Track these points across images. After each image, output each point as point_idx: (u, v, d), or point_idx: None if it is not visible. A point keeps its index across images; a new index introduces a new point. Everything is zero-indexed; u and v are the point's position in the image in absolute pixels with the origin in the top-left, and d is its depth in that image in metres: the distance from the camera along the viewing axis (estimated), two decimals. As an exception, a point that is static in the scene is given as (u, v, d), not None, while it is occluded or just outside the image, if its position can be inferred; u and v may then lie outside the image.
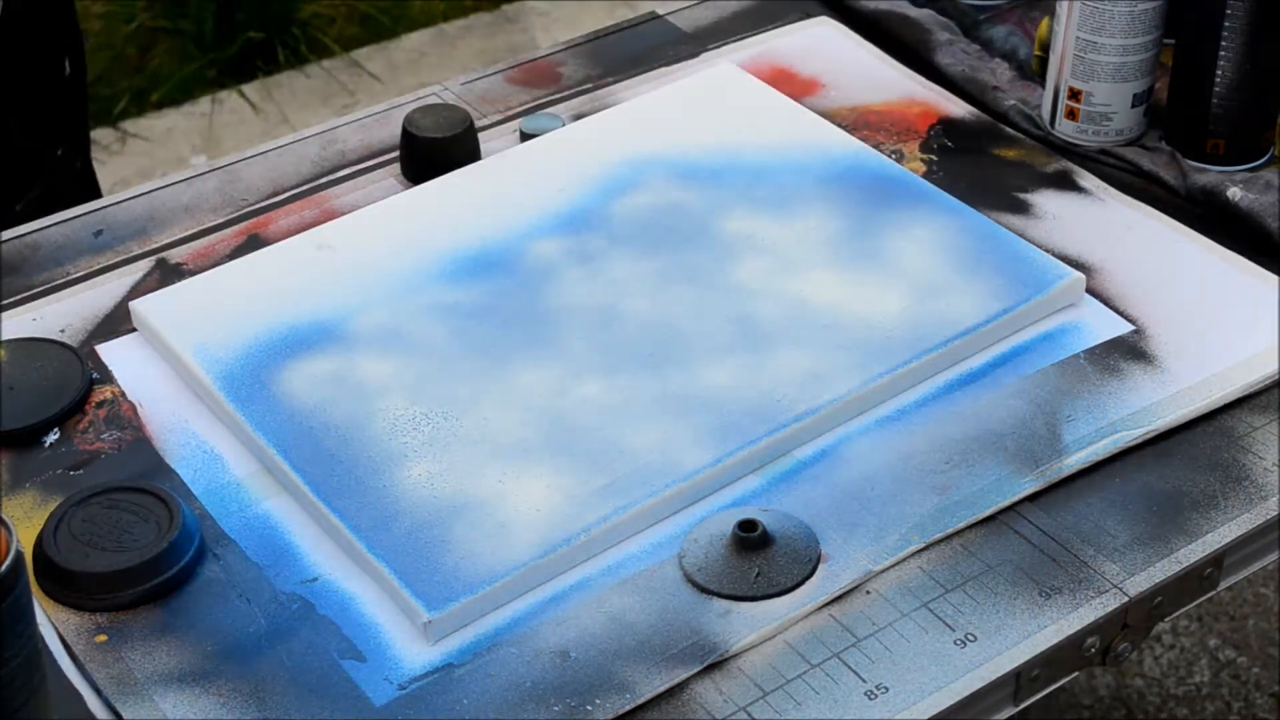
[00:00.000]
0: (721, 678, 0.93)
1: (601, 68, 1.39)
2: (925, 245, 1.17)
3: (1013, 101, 1.32)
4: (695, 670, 0.92)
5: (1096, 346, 1.12)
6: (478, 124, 1.32)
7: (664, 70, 1.38)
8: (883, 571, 0.98)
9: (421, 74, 2.83)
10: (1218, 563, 1.00)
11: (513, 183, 1.24)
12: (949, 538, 1.00)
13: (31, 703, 0.83)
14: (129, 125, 2.74)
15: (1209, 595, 1.02)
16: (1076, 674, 0.98)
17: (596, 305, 1.13)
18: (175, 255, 1.22)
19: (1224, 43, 1.21)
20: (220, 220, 1.25)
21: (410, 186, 1.26)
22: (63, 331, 1.15)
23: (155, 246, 1.23)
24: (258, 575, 0.98)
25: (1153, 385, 1.09)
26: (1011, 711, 0.95)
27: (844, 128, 1.29)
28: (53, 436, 1.07)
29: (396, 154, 1.30)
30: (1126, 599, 0.96)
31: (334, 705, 0.91)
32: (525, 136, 1.30)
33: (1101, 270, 1.18)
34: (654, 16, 1.45)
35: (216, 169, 1.30)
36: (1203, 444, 1.06)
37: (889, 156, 1.27)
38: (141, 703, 0.91)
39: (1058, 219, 1.22)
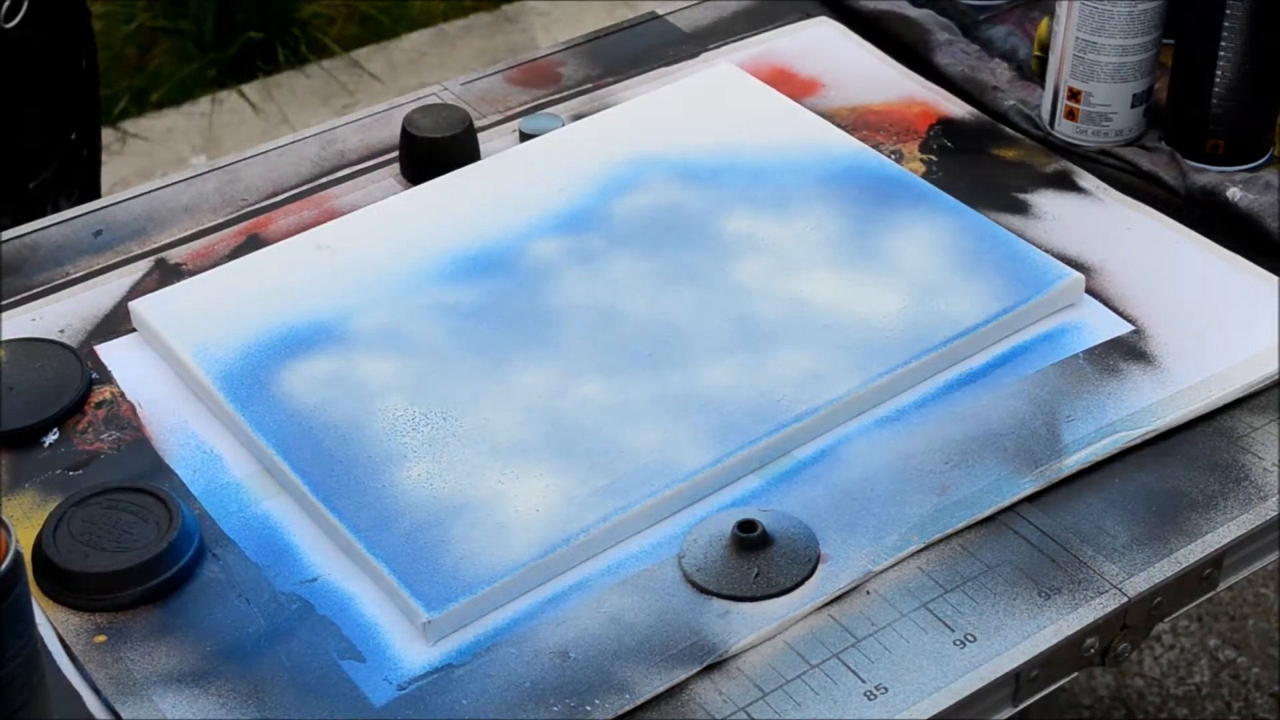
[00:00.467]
0: (721, 678, 0.93)
1: (601, 68, 1.39)
2: (925, 245, 1.17)
3: (1012, 102, 1.32)
4: (695, 670, 0.92)
5: (1096, 347, 1.12)
6: (477, 124, 1.32)
7: (664, 70, 1.38)
8: (882, 572, 0.98)
9: (421, 74, 2.83)
10: (1217, 563, 1.00)
11: (512, 183, 1.24)
12: (948, 538, 1.00)
13: (31, 703, 0.82)
14: (129, 125, 2.74)
15: (1209, 595, 1.02)
16: (1076, 674, 0.98)
17: (596, 305, 1.13)
18: (175, 255, 1.22)
19: (1224, 43, 1.21)
20: (220, 220, 1.25)
21: (410, 187, 1.26)
22: (62, 332, 1.15)
23: (155, 247, 1.23)
24: (257, 575, 0.98)
25: (1152, 385, 1.08)
26: (1011, 712, 0.95)
27: (843, 128, 1.29)
28: (52, 437, 1.07)
29: (396, 154, 1.30)
30: (1126, 599, 0.96)
31: (333, 705, 0.91)
32: (525, 136, 1.29)
33: (1101, 270, 1.18)
34: (654, 16, 1.45)
35: (216, 169, 1.30)
36: (1202, 444, 1.06)
37: (888, 156, 1.27)
38: (141, 703, 0.91)
39: (1057, 219, 1.22)
